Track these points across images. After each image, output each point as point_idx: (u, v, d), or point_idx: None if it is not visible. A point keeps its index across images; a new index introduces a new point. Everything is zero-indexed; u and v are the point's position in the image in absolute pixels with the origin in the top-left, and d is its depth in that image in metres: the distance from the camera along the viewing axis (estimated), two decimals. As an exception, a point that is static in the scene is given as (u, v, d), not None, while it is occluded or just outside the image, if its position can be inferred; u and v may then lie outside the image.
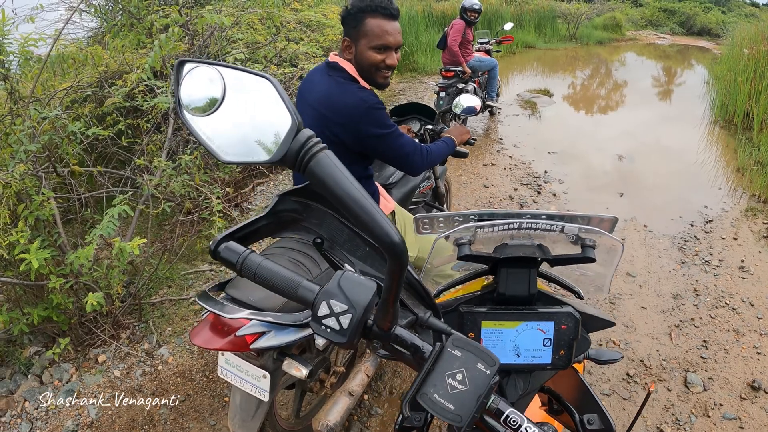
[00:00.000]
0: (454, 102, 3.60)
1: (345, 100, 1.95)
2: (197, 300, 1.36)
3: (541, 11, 17.88)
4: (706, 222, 4.85)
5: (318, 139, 0.62)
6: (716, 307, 3.58)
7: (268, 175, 5.13)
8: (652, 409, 2.76)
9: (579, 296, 1.24)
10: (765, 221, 4.87)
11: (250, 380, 1.81)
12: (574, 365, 1.27)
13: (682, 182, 5.94)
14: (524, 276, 1.10)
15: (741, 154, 6.62)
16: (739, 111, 7.99)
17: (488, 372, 0.76)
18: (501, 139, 7.03)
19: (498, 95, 7.61)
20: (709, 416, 2.72)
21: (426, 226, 1.12)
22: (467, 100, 3.54)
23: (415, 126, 3.17)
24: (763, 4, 29.22)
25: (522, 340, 1.07)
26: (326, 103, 1.98)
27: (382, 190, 2.48)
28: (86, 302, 2.55)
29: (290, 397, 2.42)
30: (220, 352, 1.84)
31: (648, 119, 8.73)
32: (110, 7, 5.57)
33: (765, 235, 4.62)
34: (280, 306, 1.69)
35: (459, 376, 0.76)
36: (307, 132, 0.62)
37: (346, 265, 0.90)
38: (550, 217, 1.06)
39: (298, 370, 1.76)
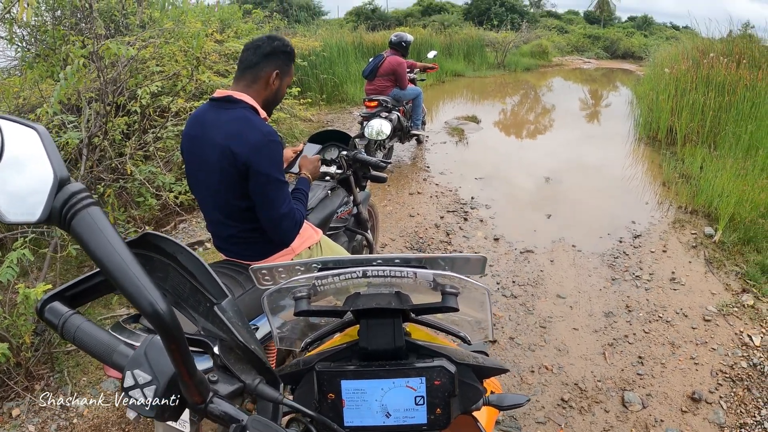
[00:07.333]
0: (365, 129, 3.46)
1: (253, 131, 1.94)
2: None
3: (470, 40, 18.28)
4: (635, 237, 4.85)
5: (86, 194, 0.56)
6: (650, 322, 3.53)
7: (191, 211, 4.89)
8: (589, 434, 2.66)
9: (466, 341, 1.12)
10: (693, 231, 4.91)
11: None
12: (474, 414, 1.13)
13: (610, 200, 5.98)
14: (387, 328, 0.97)
15: (666, 168, 6.79)
16: (663, 127, 8.24)
17: None
18: (428, 167, 6.96)
19: (424, 123, 7.55)
20: (650, 434, 2.65)
21: (266, 278, 1.01)
22: (377, 124, 3.42)
23: (334, 153, 3.07)
24: (683, 27, 30.83)
25: (390, 400, 0.95)
26: (236, 137, 1.93)
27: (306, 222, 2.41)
28: (-10, 354, 2.39)
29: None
30: None
31: (575, 140, 8.91)
32: (26, 38, 5.38)
33: (694, 245, 4.64)
34: (193, 333, 1.62)
35: None
36: (74, 187, 0.56)
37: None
38: (406, 261, 0.96)
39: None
